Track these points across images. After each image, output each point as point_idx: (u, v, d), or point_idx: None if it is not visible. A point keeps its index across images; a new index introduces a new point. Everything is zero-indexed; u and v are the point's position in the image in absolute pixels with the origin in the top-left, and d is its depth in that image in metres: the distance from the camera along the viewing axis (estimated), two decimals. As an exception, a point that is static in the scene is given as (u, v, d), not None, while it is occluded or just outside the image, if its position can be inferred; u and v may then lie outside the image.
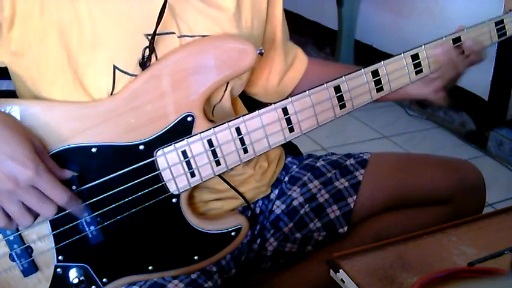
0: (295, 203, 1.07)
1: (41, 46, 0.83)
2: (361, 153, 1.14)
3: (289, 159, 1.14)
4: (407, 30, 2.80)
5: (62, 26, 0.82)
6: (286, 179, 1.10)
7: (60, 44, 0.82)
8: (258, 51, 0.86)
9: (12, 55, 0.84)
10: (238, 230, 0.93)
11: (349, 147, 2.43)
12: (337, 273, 0.85)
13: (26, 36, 0.82)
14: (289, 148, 1.18)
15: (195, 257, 0.91)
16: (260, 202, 1.08)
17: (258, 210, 1.08)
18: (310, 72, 1.12)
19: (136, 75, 0.85)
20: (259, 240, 1.07)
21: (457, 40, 0.99)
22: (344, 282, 0.84)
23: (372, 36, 3.08)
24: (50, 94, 0.85)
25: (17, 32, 0.82)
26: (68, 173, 0.80)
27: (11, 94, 0.93)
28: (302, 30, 3.63)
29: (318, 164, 1.11)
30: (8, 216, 0.76)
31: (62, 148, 0.81)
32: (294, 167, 1.12)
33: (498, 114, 2.48)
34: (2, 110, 0.80)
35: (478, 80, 2.46)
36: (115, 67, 0.84)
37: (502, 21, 1.04)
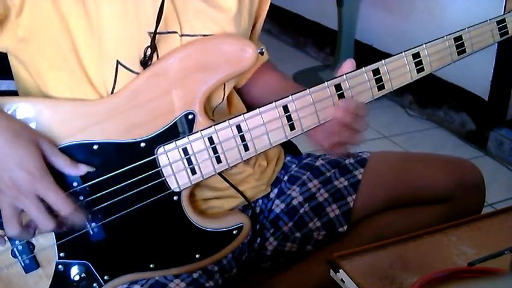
0: (294, 202, 1.07)
1: (48, 34, 0.83)
2: (360, 152, 1.14)
3: (288, 158, 1.14)
4: (407, 30, 2.79)
5: (70, 17, 0.82)
6: (286, 178, 1.10)
7: (67, 33, 0.83)
8: (258, 51, 0.87)
9: (19, 41, 0.84)
10: (240, 229, 0.93)
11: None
12: (337, 273, 0.85)
13: (34, 24, 0.82)
14: (289, 148, 1.18)
15: (197, 255, 0.91)
16: (260, 201, 1.08)
17: (257, 210, 1.08)
18: (265, 76, 1.09)
19: (138, 73, 0.85)
20: (259, 239, 1.07)
21: (457, 39, 0.99)
22: (344, 282, 0.84)
23: (372, 36, 3.08)
24: (54, 82, 0.85)
25: (26, 19, 0.82)
26: (83, 168, 0.81)
27: (11, 94, 0.93)
28: (302, 30, 3.63)
29: (317, 163, 1.11)
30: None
31: (64, 145, 0.82)
32: (294, 166, 1.12)
33: (498, 114, 2.48)
34: (7, 109, 0.80)
35: (478, 80, 2.47)
36: (118, 62, 0.84)
37: (503, 21, 1.04)
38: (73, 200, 0.78)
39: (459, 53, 1.00)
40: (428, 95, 2.73)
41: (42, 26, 0.82)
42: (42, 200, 0.76)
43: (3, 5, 0.80)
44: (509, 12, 1.05)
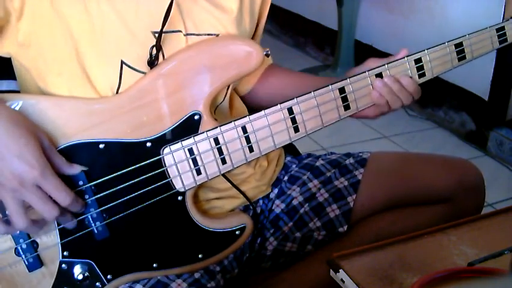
0: (294, 202, 1.07)
1: (49, 37, 0.83)
2: (360, 153, 1.14)
3: (288, 158, 1.14)
4: (407, 30, 2.79)
5: (72, 19, 0.82)
6: (286, 178, 1.10)
7: (69, 36, 0.83)
8: (264, 53, 0.87)
9: (19, 46, 0.84)
10: (242, 229, 0.93)
11: (349, 147, 2.43)
12: (337, 273, 0.85)
13: (34, 27, 0.82)
14: (288, 148, 1.18)
15: (199, 255, 0.92)
16: (260, 201, 1.08)
17: (258, 210, 1.08)
18: (272, 77, 1.10)
19: (144, 73, 0.85)
20: (259, 239, 1.07)
21: (458, 46, 1.00)
22: (344, 282, 0.84)
23: (372, 36, 3.08)
24: (56, 86, 0.85)
25: (26, 23, 0.82)
26: (77, 168, 0.81)
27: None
28: (302, 30, 3.63)
29: (317, 164, 1.11)
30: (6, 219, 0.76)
31: (70, 144, 0.82)
32: (294, 166, 1.12)
33: (498, 114, 2.48)
34: (11, 104, 0.80)
35: (478, 80, 2.47)
36: (122, 62, 0.84)
37: (503, 28, 1.05)
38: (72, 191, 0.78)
39: (459, 59, 1.01)
40: (428, 95, 2.72)
41: (42, 28, 0.82)
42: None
43: (3, 9, 0.80)
44: (508, 20, 1.06)
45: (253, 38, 1.05)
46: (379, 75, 0.95)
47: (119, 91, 0.85)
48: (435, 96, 2.71)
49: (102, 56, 0.84)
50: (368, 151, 1.15)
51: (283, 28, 3.75)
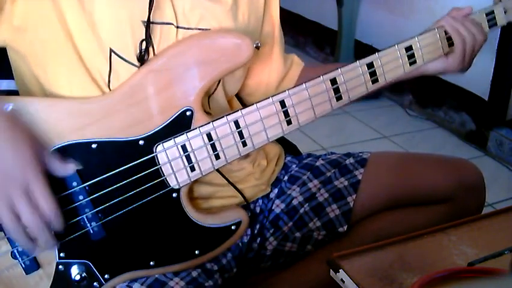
0: (294, 202, 1.07)
1: (45, 19, 0.83)
2: (360, 153, 1.14)
3: (288, 158, 1.14)
4: (407, 30, 2.77)
5: (63, 2, 0.82)
6: (286, 178, 1.10)
7: (62, 20, 0.82)
8: (254, 45, 0.87)
9: (15, 30, 0.84)
10: (238, 224, 0.93)
11: (349, 147, 2.43)
12: (337, 273, 0.85)
13: (29, 10, 0.82)
14: (288, 148, 1.18)
15: (196, 252, 0.91)
16: (260, 201, 1.08)
17: (258, 210, 1.08)
18: (303, 76, 1.11)
19: (132, 63, 0.85)
20: (259, 239, 1.07)
21: (447, 31, 1.03)
22: (344, 282, 0.84)
23: (372, 36, 3.08)
24: (54, 70, 0.85)
25: (21, 6, 0.82)
26: (71, 167, 0.80)
27: (11, 94, 0.93)
28: (302, 30, 3.63)
29: (317, 163, 1.11)
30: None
31: (62, 145, 0.82)
32: (294, 166, 1.12)
33: (498, 114, 2.48)
34: (1, 107, 0.79)
35: (478, 80, 2.46)
36: (111, 50, 0.84)
37: (492, 12, 1.06)
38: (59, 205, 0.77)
39: (450, 45, 1.01)
40: (428, 95, 2.73)
41: (37, 12, 0.82)
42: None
43: None
44: (498, 3, 1.06)
45: (273, 44, 1.05)
46: (370, 65, 0.95)
47: (110, 80, 0.85)
48: (435, 96, 2.71)
49: (93, 42, 0.83)
50: (368, 151, 1.15)
51: (283, 28, 3.74)
